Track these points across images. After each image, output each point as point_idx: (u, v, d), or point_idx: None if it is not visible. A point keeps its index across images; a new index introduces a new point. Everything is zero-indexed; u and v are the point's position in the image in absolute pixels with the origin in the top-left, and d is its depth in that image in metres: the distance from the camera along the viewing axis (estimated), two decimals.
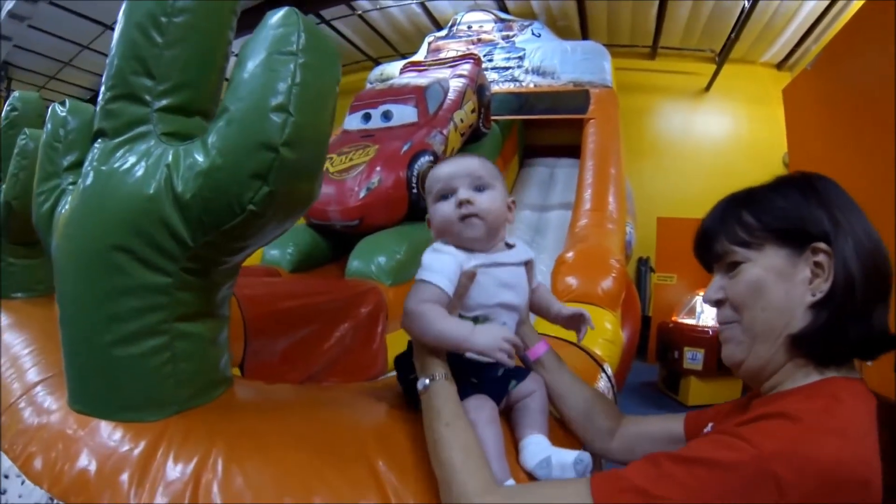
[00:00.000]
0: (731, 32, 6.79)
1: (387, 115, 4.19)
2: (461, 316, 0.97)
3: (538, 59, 6.11)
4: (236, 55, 0.97)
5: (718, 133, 7.86)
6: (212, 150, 0.88)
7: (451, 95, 4.46)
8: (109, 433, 0.89)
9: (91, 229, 0.92)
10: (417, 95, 4.23)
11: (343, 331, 2.62)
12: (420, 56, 6.59)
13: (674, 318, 5.27)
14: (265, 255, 3.57)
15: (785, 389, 0.78)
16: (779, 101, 3.80)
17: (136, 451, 0.85)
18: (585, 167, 4.54)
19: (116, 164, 0.93)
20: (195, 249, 0.91)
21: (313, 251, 3.73)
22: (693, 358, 4.67)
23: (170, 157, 0.90)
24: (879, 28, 2.36)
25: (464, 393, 0.92)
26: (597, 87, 5.69)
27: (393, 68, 6.59)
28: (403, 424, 0.97)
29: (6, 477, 0.92)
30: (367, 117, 4.26)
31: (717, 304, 0.86)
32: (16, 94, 2.01)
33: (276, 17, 0.93)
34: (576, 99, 5.56)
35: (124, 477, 0.82)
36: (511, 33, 6.59)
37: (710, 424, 0.92)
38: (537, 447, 0.95)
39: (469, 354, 0.91)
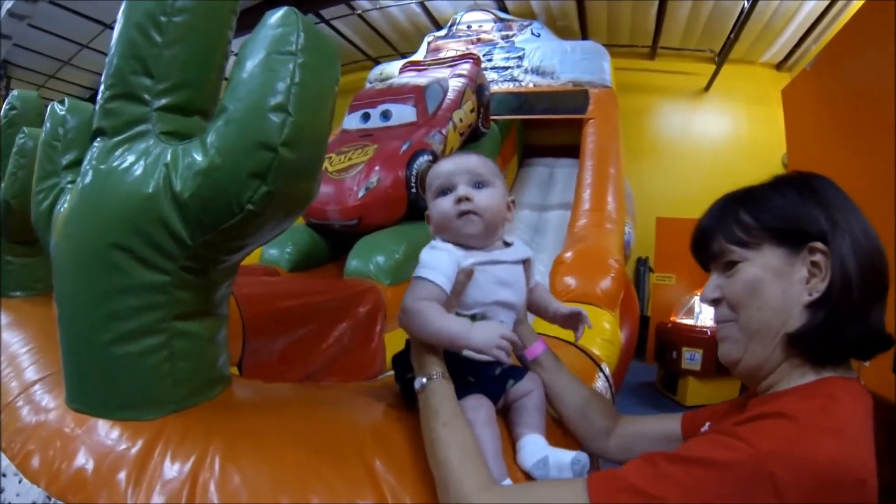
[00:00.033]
0: (731, 33, 6.79)
1: (386, 115, 4.19)
2: (458, 314, 0.97)
3: (537, 58, 6.11)
4: (236, 54, 0.97)
5: (718, 133, 7.86)
6: (210, 150, 0.88)
7: (450, 95, 4.46)
8: (107, 432, 0.89)
9: (90, 228, 0.92)
10: (416, 95, 4.23)
11: (341, 330, 2.62)
12: (419, 56, 6.59)
13: (672, 319, 5.27)
14: (264, 254, 3.57)
15: (781, 389, 0.78)
16: (778, 102, 3.81)
17: (134, 450, 0.85)
18: (584, 167, 4.54)
19: (115, 163, 0.93)
20: (194, 248, 0.91)
21: (312, 250, 3.73)
22: (691, 358, 4.67)
23: (168, 157, 0.90)
24: (879, 28, 2.36)
25: (461, 392, 0.92)
26: (596, 87, 5.69)
27: (392, 68, 6.59)
28: (401, 424, 0.97)
29: (4, 475, 0.92)
30: (366, 117, 4.26)
31: (714, 303, 0.86)
32: (15, 92, 2.01)
33: (276, 16, 0.93)
34: (575, 99, 5.55)
35: (121, 475, 0.82)
36: (510, 33, 6.59)
37: (707, 424, 0.92)
38: (534, 447, 0.95)
39: (466, 353, 0.91)
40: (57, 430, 0.93)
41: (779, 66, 7.73)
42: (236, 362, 2.00)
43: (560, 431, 1.09)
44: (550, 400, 1.09)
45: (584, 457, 0.92)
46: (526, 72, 6.07)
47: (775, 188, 0.82)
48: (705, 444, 0.70)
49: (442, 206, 1.01)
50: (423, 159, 3.74)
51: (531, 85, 5.96)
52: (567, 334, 1.20)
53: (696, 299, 5.08)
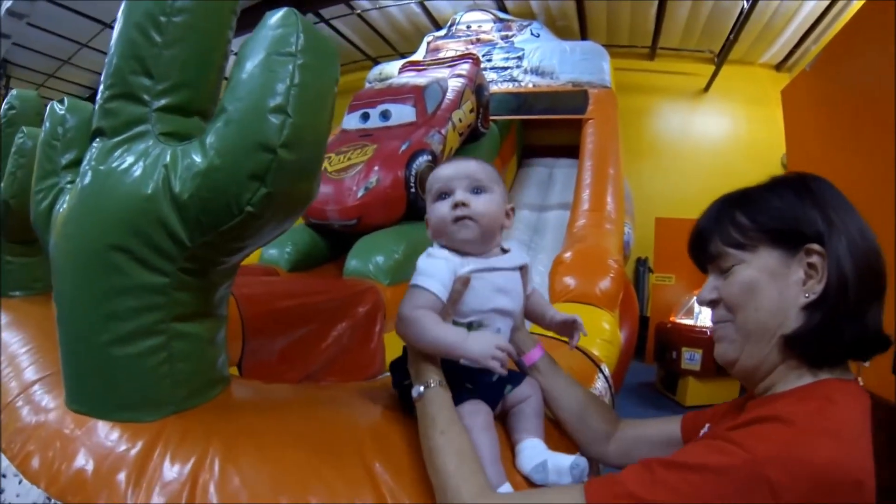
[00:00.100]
0: (730, 33, 6.79)
1: (385, 115, 4.19)
2: (455, 321, 0.97)
3: (537, 59, 6.10)
4: (236, 54, 0.97)
5: (717, 134, 7.86)
6: (210, 151, 0.88)
7: (449, 95, 4.46)
8: (106, 433, 0.89)
9: (89, 229, 0.92)
10: (416, 95, 4.23)
11: (341, 330, 2.62)
12: (419, 56, 6.58)
13: (672, 319, 5.28)
14: (263, 254, 3.57)
15: (779, 391, 0.78)
16: (777, 102, 3.82)
17: (133, 451, 0.85)
18: (584, 167, 4.54)
19: (114, 164, 0.93)
20: (193, 250, 0.91)
21: (311, 250, 3.73)
22: (691, 358, 4.67)
23: (168, 158, 0.90)
24: (878, 29, 2.36)
25: (459, 398, 0.92)
26: (595, 87, 5.69)
27: (392, 68, 6.58)
28: (400, 425, 0.98)
29: (4, 476, 0.92)
30: (365, 117, 4.26)
31: (711, 304, 0.86)
32: (14, 92, 2.01)
33: (275, 17, 0.93)
34: (574, 99, 5.55)
35: (121, 476, 0.82)
36: (510, 33, 6.58)
37: (706, 425, 0.92)
38: (533, 451, 0.96)
39: (463, 360, 0.91)
40: (57, 430, 0.93)
41: (778, 67, 7.73)
42: (236, 362, 2.00)
43: (559, 436, 1.09)
44: (549, 405, 1.09)
45: (582, 461, 0.92)
46: (525, 72, 6.07)
47: (772, 189, 0.82)
48: (701, 449, 0.71)
49: (439, 211, 1.01)
50: (423, 159, 3.74)
51: (530, 85, 5.96)
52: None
53: (696, 300, 5.08)
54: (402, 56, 7.67)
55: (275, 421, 0.97)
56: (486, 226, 1.00)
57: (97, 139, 0.99)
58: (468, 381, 0.96)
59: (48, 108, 1.48)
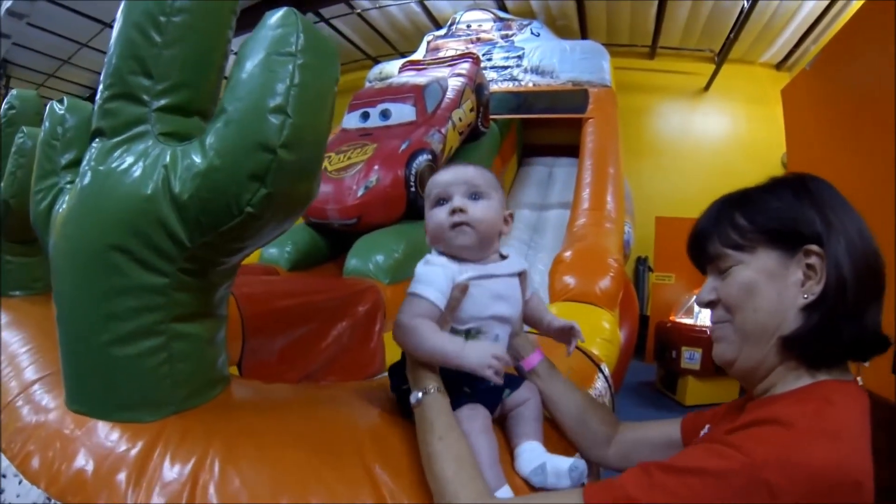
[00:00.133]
0: (731, 32, 6.79)
1: (385, 114, 4.19)
2: (454, 328, 0.97)
3: (537, 58, 6.10)
4: (235, 53, 0.97)
5: (717, 133, 7.86)
6: (209, 151, 0.88)
7: (449, 94, 4.46)
8: (106, 433, 0.89)
9: (88, 229, 0.92)
10: (416, 94, 4.23)
11: (341, 329, 2.62)
12: (419, 55, 6.58)
13: (672, 318, 5.28)
14: (263, 253, 3.57)
15: (777, 393, 0.78)
16: (777, 102, 3.82)
17: (133, 452, 0.85)
18: (584, 166, 4.54)
19: (114, 165, 0.93)
20: (192, 250, 0.91)
21: (311, 250, 3.73)
22: (691, 357, 4.67)
23: (167, 158, 0.90)
24: (878, 28, 2.36)
25: (457, 402, 0.92)
26: (595, 86, 5.68)
27: (392, 67, 6.58)
28: (400, 425, 0.98)
29: (4, 476, 0.92)
30: (365, 116, 4.26)
31: (710, 305, 0.86)
32: (14, 92, 2.01)
33: (275, 17, 0.93)
34: (574, 98, 5.55)
35: (121, 477, 0.82)
36: (510, 32, 6.58)
37: (707, 426, 0.92)
38: (532, 454, 0.96)
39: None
40: (56, 431, 0.93)
41: (778, 66, 7.73)
42: (236, 362, 2.00)
43: (559, 438, 1.09)
44: (548, 409, 1.10)
45: (581, 463, 0.92)
46: (525, 71, 6.07)
47: (771, 190, 0.82)
48: (700, 452, 0.71)
49: (437, 217, 1.01)
50: (423, 158, 3.74)
51: (530, 84, 5.96)
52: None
53: (695, 300, 5.07)
54: (402, 55, 7.67)
55: (275, 421, 0.97)
56: (483, 232, 0.99)
57: (97, 139, 0.98)
58: (467, 385, 0.95)
59: (48, 107, 1.48)
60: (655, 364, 5.43)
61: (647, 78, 7.98)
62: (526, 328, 1.20)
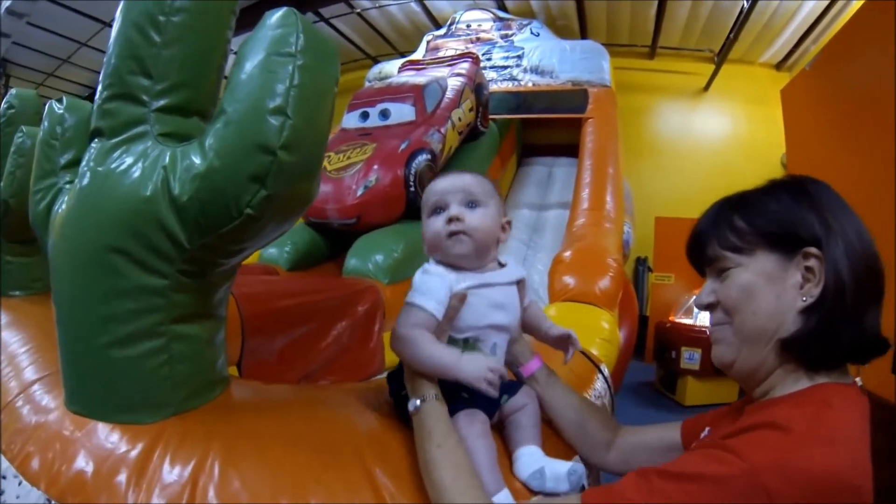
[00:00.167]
0: (730, 32, 6.79)
1: (385, 114, 4.19)
2: (451, 337, 0.97)
3: (537, 58, 6.10)
4: (235, 53, 0.96)
5: (717, 133, 7.86)
6: (209, 153, 0.88)
7: (449, 94, 4.45)
8: (106, 435, 0.89)
9: (87, 230, 0.92)
10: (415, 94, 4.22)
11: (340, 329, 2.62)
12: (419, 55, 6.57)
13: (671, 318, 5.28)
14: (262, 253, 3.56)
15: (776, 396, 0.78)
16: (777, 102, 3.82)
17: (133, 453, 0.85)
18: (583, 166, 4.53)
19: (113, 165, 0.92)
20: (192, 252, 0.90)
21: (311, 249, 3.73)
22: (690, 358, 4.67)
23: (167, 159, 0.90)
24: (878, 29, 2.36)
25: (456, 407, 0.93)
26: (595, 86, 5.68)
27: (391, 66, 6.58)
28: (399, 427, 0.98)
29: (3, 477, 0.92)
30: (364, 115, 4.26)
31: (709, 307, 0.86)
32: (13, 91, 2.00)
33: (275, 17, 0.92)
34: (574, 98, 5.55)
35: (121, 478, 0.82)
36: (510, 32, 6.58)
37: (707, 429, 0.92)
38: (531, 458, 0.96)
39: None
40: (56, 432, 0.93)
41: (778, 66, 7.74)
42: (235, 361, 2.00)
43: (557, 442, 1.09)
44: (548, 415, 1.10)
45: (579, 467, 0.93)
46: (525, 71, 6.07)
47: (770, 193, 0.82)
48: (698, 458, 0.71)
49: (434, 226, 1.00)
50: (422, 158, 3.74)
51: (530, 84, 5.96)
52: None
53: (694, 303, 5.07)
54: (402, 55, 7.67)
55: (275, 423, 0.97)
56: (480, 240, 0.99)
57: (96, 140, 0.98)
58: (465, 390, 0.95)
59: (47, 106, 1.47)
60: (655, 364, 5.44)
61: (646, 78, 7.98)
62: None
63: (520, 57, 6.20)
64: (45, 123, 1.46)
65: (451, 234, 0.98)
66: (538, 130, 6.22)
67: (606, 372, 1.68)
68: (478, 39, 6.61)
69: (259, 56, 0.90)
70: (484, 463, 0.87)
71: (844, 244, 0.75)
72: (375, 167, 3.56)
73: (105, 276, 0.89)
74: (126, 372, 0.90)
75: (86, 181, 0.95)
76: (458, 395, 0.94)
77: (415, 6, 7.66)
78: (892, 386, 1.92)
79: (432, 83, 4.40)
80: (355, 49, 8.77)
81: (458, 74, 4.75)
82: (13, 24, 7.11)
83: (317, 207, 3.54)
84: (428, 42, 6.86)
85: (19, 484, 0.89)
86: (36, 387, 1.10)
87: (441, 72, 4.84)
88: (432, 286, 0.95)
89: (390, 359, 1.07)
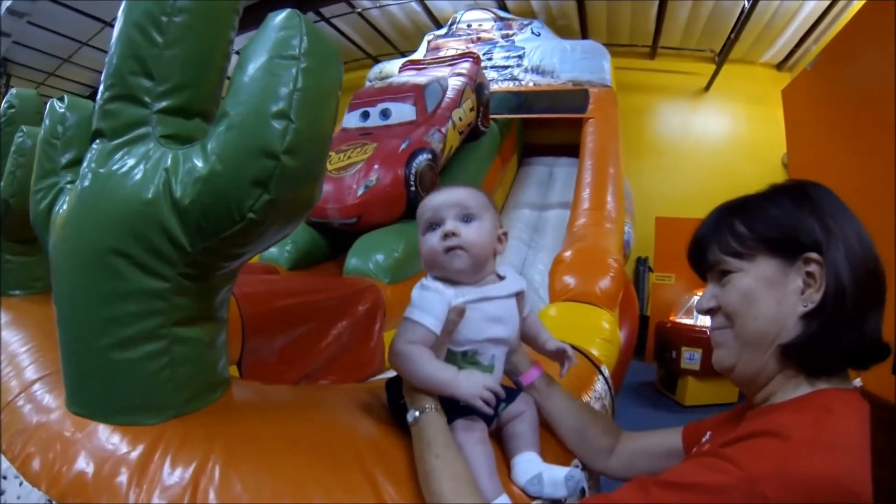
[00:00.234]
0: (731, 32, 6.79)
1: (385, 114, 4.19)
2: (450, 350, 0.97)
3: (537, 57, 6.10)
4: (238, 53, 0.96)
5: (718, 133, 7.86)
6: (211, 156, 0.87)
7: (449, 94, 4.46)
8: (107, 436, 0.89)
9: (88, 232, 0.91)
10: (416, 94, 4.22)
11: (341, 328, 2.62)
12: (419, 54, 6.58)
13: (672, 318, 5.28)
14: (263, 252, 3.56)
15: (777, 402, 0.78)
16: (778, 102, 3.81)
17: (134, 455, 0.85)
18: (584, 166, 4.54)
19: (115, 167, 0.92)
20: (193, 255, 0.90)
21: (311, 249, 3.73)
22: (691, 358, 4.67)
23: (169, 161, 0.89)
24: (879, 29, 2.36)
25: (454, 415, 0.93)
26: (596, 86, 5.68)
27: (392, 66, 6.58)
28: (399, 430, 0.98)
29: (4, 478, 0.92)
30: (365, 115, 4.26)
31: (710, 312, 0.86)
32: (13, 90, 2.00)
33: (278, 19, 0.92)
34: (575, 98, 5.55)
35: (122, 480, 0.82)
36: (510, 32, 6.58)
37: (708, 433, 0.92)
38: (529, 464, 0.96)
39: None
40: (57, 433, 0.92)
41: (779, 67, 7.73)
42: (236, 361, 2.00)
43: (556, 447, 1.09)
44: (548, 422, 1.10)
45: (577, 473, 0.93)
46: (526, 71, 6.07)
47: (770, 198, 0.82)
48: (697, 467, 0.71)
49: (430, 242, 1.00)
50: (423, 158, 3.74)
51: (531, 84, 5.96)
52: (567, 338, 1.20)
53: (696, 299, 5.08)
54: (403, 55, 7.66)
55: (276, 425, 0.97)
56: (477, 255, 0.99)
57: (97, 141, 0.97)
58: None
59: (48, 106, 1.47)
60: (655, 364, 5.44)
61: (647, 78, 7.97)
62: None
63: (520, 57, 6.20)
64: (47, 122, 1.45)
65: (448, 250, 0.97)
66: (539, 130, 6.23)
67: (607, 373, 1.68)
68: (478, 39, 6.60)
69: (262, 58, 0.89)
70: (483, 470, 0.87)
71: (845, 249, 0.75)
72: (376, 167, 3.56)
73: (106, 278, 0.89)
74: (127, 374, 0.90)
75: (87, 182, 0.95)
76: (456, 403, 0.94)
77: (415, 6, 7.66)
78: (893, 387, 1.93)
79: (433, 83, 4.40)
80: (356, 49, 8.77)
81: (459, 74, 4.75)
82: (14, 24, 7.11)
83: (317, 207, 3.48)
84: (429, 42, 6.86)
85: (20, 484, 0.89)
86: (37, 386, 1.10)
87: (442, 71, 4.84)
88: (430, 302, 0.95)
89: (387, 380, 1.07)
